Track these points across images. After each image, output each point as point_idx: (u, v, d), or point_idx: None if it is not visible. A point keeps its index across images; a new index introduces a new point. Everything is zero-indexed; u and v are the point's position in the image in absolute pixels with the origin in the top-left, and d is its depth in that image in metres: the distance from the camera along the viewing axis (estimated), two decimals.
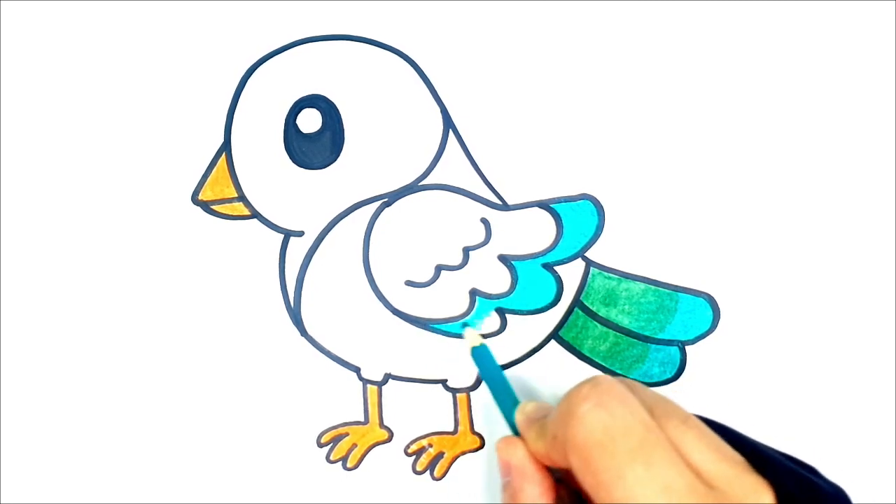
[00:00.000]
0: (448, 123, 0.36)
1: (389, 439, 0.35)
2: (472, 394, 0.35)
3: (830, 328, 0.36)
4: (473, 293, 0.35)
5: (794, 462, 0.27)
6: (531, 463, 0.29)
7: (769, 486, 0.25)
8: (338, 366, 0.35)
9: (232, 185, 0.36)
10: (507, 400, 0.32)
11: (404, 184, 0.36)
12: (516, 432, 0.30)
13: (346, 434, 0.35)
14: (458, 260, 0.35)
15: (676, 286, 0.36)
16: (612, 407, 0.26)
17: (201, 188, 0.36)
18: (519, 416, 0.30)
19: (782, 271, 0.36)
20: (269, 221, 0.36)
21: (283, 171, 0.36)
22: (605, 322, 0.36)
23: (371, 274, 0.35)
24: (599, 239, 0.36)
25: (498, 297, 0.35)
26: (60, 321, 0.35)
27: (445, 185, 0.36)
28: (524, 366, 0.35)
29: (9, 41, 0.36)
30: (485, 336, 0.35)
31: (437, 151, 0.36)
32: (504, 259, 0.35)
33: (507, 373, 0.35)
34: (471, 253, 0.35)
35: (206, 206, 0.36)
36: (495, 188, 0.36)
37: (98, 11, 0.36)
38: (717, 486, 0.25)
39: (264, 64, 0.36)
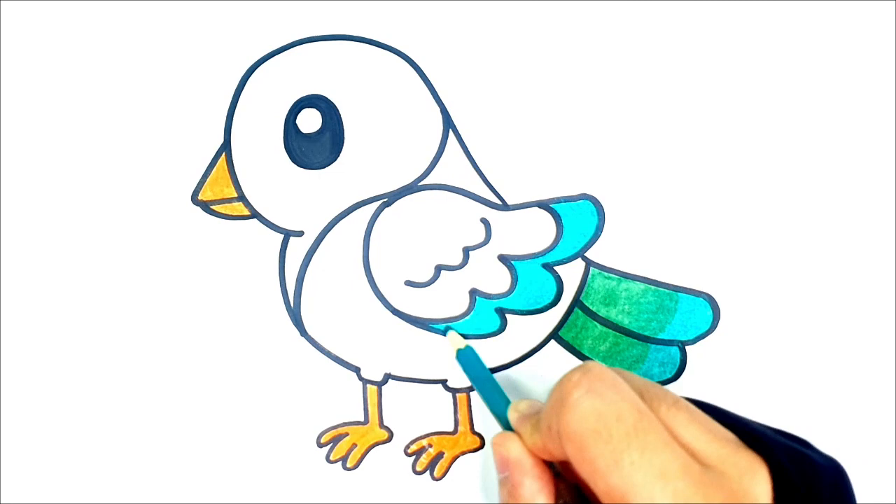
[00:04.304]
0: (448, 123, 0.36)
1: (389, 439, 0.35)
2: (471, 394, 0.35)
3: (830, 328, 0.36)
4: (473, 293, 0.35)
5: (785, 436, 0.27)
6: (529, 457, 0.29)
7: (763, 462, 0.25)
8: (338, 366, 0.35)
9: (232, 185, 0.36)
10: (497, 399, 0.32)
11: (404, 184, 0.36)
12: (510, 430, 0.30)
13: (346, 434, 0.35)
14: (458, 260, 0.35)
15: (676, 286, 0.36)
16: (603, 393, 0.26)
17: (201, 188, 0.36)
18: (512, 414, 0.30)
19: (782, 271, 0.36)
20: (269, 221, 0.36)
21: (283, 171, 0.36)
22: (605, 322, 0.36)
23: (371, 274, 0.35)
24: (599, 239, 0.36)
25: (498, 297, 0.35)
26: (60, 321, 0.35)
27: (445, 185, 0.36)
28: (524, 366, 0.35)
29: (9, 41, 0.36)
30: (485, 335, 0.35)
31: (437, 151, 0.36)
32: (504, 259, 0.35)
33: (507, 373, 0.35)
34: (471, 253, 0.35)
35: (206, 206, 0.36)
36: (495, 188, 0.36)
37: (98, 11, 0.36)
38: (711, 465, 0.25)
39: (264, 64, 0.36)
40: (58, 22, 0.36)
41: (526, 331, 0.36)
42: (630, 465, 0.24)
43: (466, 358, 0.34)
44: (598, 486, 0.25)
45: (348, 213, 0.36)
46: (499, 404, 0.32)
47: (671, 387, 0.35)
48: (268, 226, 0.36)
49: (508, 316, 0.35)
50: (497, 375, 0.35)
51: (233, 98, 0.36)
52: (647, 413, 0.26)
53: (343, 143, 0.36)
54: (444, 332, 0.35)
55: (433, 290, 0.35)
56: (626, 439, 0.25)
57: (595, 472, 0.25)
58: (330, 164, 0.36)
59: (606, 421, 0.25)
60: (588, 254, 0.36)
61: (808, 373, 0.35)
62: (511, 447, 0.29)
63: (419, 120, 0.36)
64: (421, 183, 0.36)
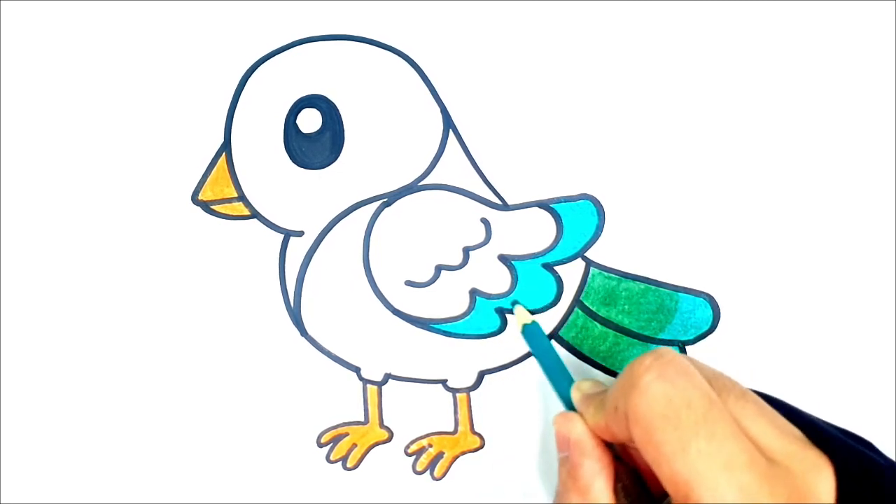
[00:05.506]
0: (448, 123, 0.36)
1: (389, 439, 0.35)
2: (472, 394, 0.35)
3: (830, 328, 0.36)
4: (473, 293, 0.35)
5: (849, 436, 0.27)
6: (591, 438, 0.29)
7: (828, 461, 0.25)
8: (338, 366, 0.35)
9: (232, 185, 0.36)
10: (560, 377, 0.32)
11: (404, 184, 0.36)
12: (571, 410, 0.30)
13: (346, 434, 0.35)
14: (458, 260, 0.35)
15: (676, 286, 0.36)
16: (675, 379, 0.26)
17: (201, 188, 0.36)
18: (576, 394, 0.30)
19: (782, 271, 0.36)
20: (269, 221, 0.36)
21: (283, 171, 0.36)
22: (605, 322, 0.36)
23: (371, 274, 0.35)
24: (599, 239, 0.36)
25: (498, 297, 0.35)
26: (60, 321, 0.35)
27: (445, 185, 0.36)
28: (524, 366, 0.35)
29: (9, 41, 0.36)
30: (485, 335, 0.35)
31: (437, 151, 0.36)
32: (504, 259, 0.35)
33: (507, 372, 0.35)
34: (471, 253, 0.35)
35: (206, 206, 0.36)
36: (495, 188, 0.36)
37: (98, 11, 0.36)
38: (777, 460, 0.25)
39: (264, 64, 0.36)
40: (58, 22, 0.36)
41: None
42: (697, 454, 0.24)
43: (532, 334, 0.34)
44: (661, 470, 0.25)
45: (348, 213, 0.36)
46: (562, 383, 0.32)
47: None
48: (268, 226, 0.36)
49: (508, 316, 0.35)
50: (497, 375, 0.35)
51: (233, 98, 0.36)
52: (718, 403, 0.26)
53: (343, 143, 0.36)
54: (441, 334, 0.35)
55: (433, 290, 0.35)
56: (694, 427, 0.25)
57: (660, 456, 0.25)
58: (330, 164, 0.36)
59: (676, 407, 0.25)
60: (588, 254, 0.36)
61: (808, 373, 0.35)
62: (573, 427, 0.29)
63: (419, 120, 0.36)
64: (421, 183, 0.36)
